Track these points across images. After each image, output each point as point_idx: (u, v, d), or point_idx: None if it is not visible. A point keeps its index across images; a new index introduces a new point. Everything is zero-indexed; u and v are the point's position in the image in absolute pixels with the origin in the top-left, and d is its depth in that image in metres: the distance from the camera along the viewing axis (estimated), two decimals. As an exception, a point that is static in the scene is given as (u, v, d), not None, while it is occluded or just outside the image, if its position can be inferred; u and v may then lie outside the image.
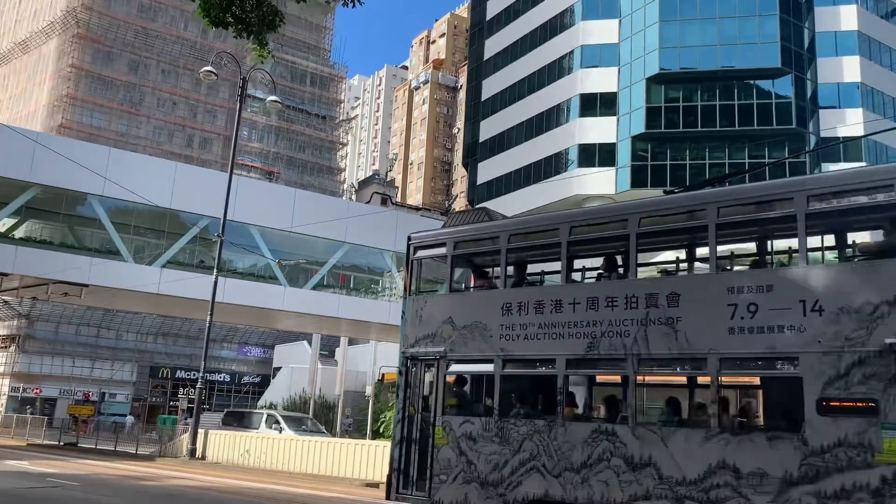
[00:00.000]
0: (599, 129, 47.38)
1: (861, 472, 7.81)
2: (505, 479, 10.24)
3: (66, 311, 55.13)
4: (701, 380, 9.47)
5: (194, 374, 61.26)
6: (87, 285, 26.61)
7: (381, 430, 39.98)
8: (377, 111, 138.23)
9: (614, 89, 47.72)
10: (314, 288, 31.11)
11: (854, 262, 9.37)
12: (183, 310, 34.95)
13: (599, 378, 10.73)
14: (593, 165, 47.73)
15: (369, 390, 41.67)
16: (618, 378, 10.17)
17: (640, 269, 10.10)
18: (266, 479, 18.75)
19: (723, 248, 9.85)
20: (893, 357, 7.83)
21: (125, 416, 51.52)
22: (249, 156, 70.67)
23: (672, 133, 45.60)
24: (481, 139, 58.57)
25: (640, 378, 9.60)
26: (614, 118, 47.36)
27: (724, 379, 8.99)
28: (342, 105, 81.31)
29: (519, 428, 10.29)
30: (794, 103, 44.38)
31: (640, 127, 45.92)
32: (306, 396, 43.43)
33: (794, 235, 8.81)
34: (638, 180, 44.51)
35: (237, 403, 62.12)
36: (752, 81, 45.41)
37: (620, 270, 10.43)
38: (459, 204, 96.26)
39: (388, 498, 11.55)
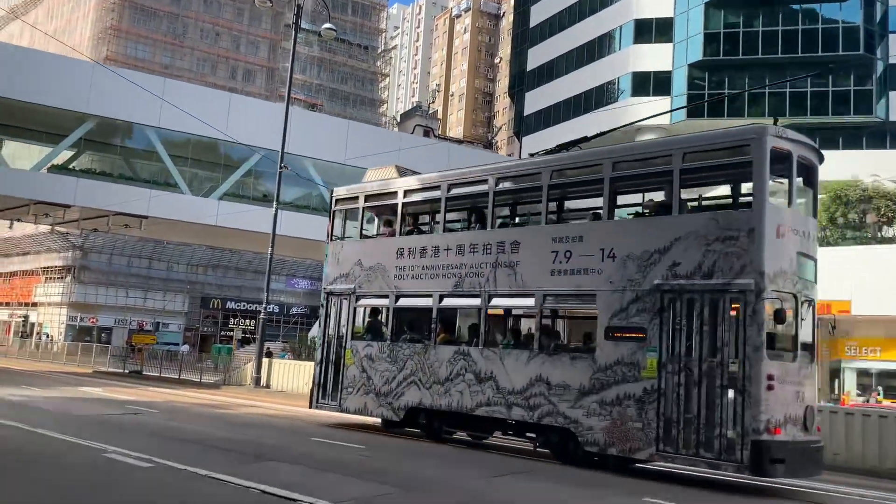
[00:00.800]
0: (654, 57, 45.70)
1: (631, 384, 10.07)
2: (393, 391, 12.98)
3: (118, 243, 56.22)
4: (529, 311, 11.92)
5: (244, 305, 62.55)
6: (146, 217, 26.86)
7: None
8: (417, 41, 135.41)
9: (670, 14, 45.79)
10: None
11: (639, 218, 11.26)
12: (236, 241, 35.26)
13: (462, 310, 12.77)
14: (647, 95, 46.24)
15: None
16: (476, 308, 12.27)
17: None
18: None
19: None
20: (659, 295, 10.02)
21: (178, 345, 52.83)
22: (293, 88, 70.00)
23: (731, 60, 43.84)
24: (529, 68, 57.04)
25: (489, 310, 12.11)
26: (670, 45, 45.59)
27: (545, 311, 11.68)
28: (383, 35, 79.74)
29: (404, 350, 12.95)
30: (861, 27, 42.14)
31: (697, 54, 44.19)
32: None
33: (603, 194, 11.15)
34: (694, 110, 43.04)
35: (286, 334, 63.31)
36: (816, 5, 43.14)
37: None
38: (502, 136, 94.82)
39: (310, 407, 14.53)
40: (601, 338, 10.65)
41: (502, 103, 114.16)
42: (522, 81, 59.30)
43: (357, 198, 14.37)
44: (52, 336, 54.31)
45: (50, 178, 25.54)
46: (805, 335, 10.06)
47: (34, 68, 24.99)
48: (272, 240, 24.12)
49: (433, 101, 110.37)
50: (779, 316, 9.49)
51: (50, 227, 31.19)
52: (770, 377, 9.34)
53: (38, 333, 57.81)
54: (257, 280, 65.52)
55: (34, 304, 61.58)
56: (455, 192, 13.06)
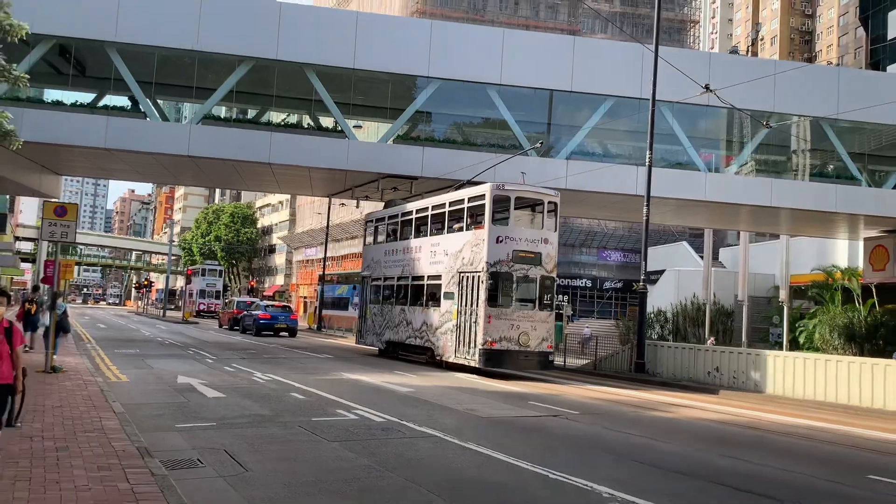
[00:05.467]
0: None
1: (449, 322, 19.37)
2: (381, 332, 23.95)
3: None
4: (422, 283, 21.65)
5: (566, 282, 60.04)
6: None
7: (801, 340, 34.01)
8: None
9: None
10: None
11: (454, 233, 20.14)
12: (586, 209, 31.74)
13: (402, 284, 23.01)
14: None
15: (783, 295, 35.55)
16: (406, 284, 22.69)
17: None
18: (792, 412, 14.52)
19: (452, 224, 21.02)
20: (459, 275, 19.14)
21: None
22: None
23: None
24: (892, -18, 46.38)
25: (411, 284, 22.33)
26: None
27: (427, 283, 21.24)
28: (686, -21, 71.83)
29: (385, 308, 23.79)
30: None
31: None
32: (699, 303, 38.56)
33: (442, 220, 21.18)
34: None
35: (600, 310, 59.79)
36: None
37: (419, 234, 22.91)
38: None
39: (356, 343, 27.45)
40: (442, 298, 19.96)
41: (826, 40, 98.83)
42: (878, 2, 48.70)
43: (372, 220, 26.11)
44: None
45: (395, 149, 24.08)
46: (523, 294, 18.67)
47: (371, 36, 23.65)
48: (647, 199, 20.23)
49: (753, 44, 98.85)
50: (492, 286, 18.16)
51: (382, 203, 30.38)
52: (489, 317, 17.97)
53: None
54: (569, 254, 62.60)
55: (364, 285, 64.84)
56: (403, 217, 23.40)
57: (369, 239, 26.24)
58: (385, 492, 6.35)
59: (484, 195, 18.55)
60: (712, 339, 29.95)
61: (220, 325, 44.07)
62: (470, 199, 19.34)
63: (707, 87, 16.09)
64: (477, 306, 18.09)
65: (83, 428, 8.12)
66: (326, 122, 25.76)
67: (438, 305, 20.07)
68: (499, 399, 13.71)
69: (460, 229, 19.66)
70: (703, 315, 36.99)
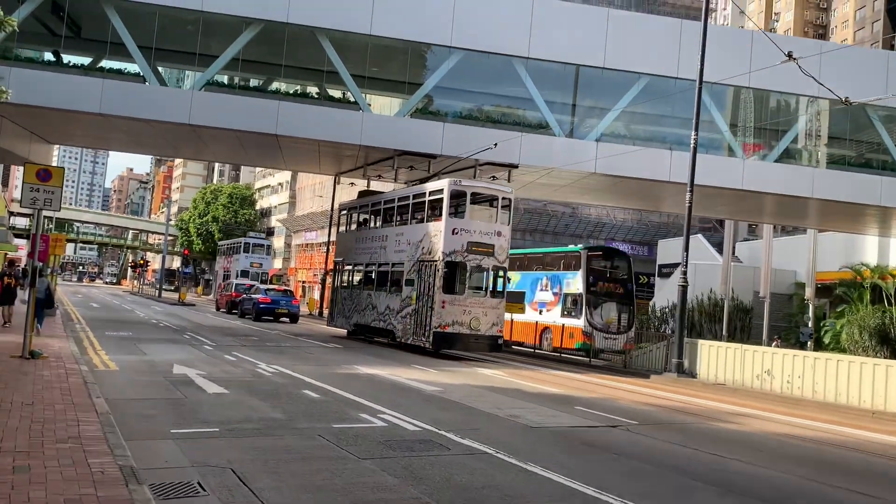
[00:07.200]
0: None
1: (410, 307, 20.54)
2: (350, 315, 25.10)
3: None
4: (387, 269, 22.71)
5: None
6: (516, 166, 22.70)
7: (826, 340, 32.51)
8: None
9: None
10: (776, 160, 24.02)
11: (415, 224, 21.63)
12: (610, 196, 29.95)
13: (370, 270, 24.29)
14: None
15: (808, 292, 34.01)
16: (373, 270, 23.91)
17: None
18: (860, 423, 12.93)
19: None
20: (419, 263, 20.33)
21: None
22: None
23: None
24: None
25: (377, 270, 23.50)
26: None
27: (391, 270, 22.35)
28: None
29: (354, 293, 25.08)
30: None
31: None
32: (716, 298, 36.95)
33: (407, 211, 22.23)
34: None
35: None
36: None
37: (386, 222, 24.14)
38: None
39: (327, 325, 28.37)
40: (404, 284, 21.21)
41: (840, 35, 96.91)
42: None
43: (345, 209, 27.97)
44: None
45: (412, 124, 22.28)
46: (476, 282, 20.05)
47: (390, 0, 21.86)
48: (690, 183, 18.61)
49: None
50: (447, 274, 19.38)
51: (405, 184, 28.70)
52: (443, 302, 19.19)
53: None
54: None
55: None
56: (372, 208, 24.99)
57: (342, 227, 28.06)
58: (453, 544, 4.71)
59: (443, 189, 19.89)
60: (777, 340, 28.41)
61: (218, 308, 42.44)
62: (430, 193, 20.70)
63: (790, 56, 14.37)
64: (433, 292, 19.37)
65: (55, 436, 6.46)
66: (338, 95, 24.01)
67: (400, 291, 21.36)
68: (540, 402, 12.07)
69: (422, 220, 21.25)
70: (721, 311, 35.40)
